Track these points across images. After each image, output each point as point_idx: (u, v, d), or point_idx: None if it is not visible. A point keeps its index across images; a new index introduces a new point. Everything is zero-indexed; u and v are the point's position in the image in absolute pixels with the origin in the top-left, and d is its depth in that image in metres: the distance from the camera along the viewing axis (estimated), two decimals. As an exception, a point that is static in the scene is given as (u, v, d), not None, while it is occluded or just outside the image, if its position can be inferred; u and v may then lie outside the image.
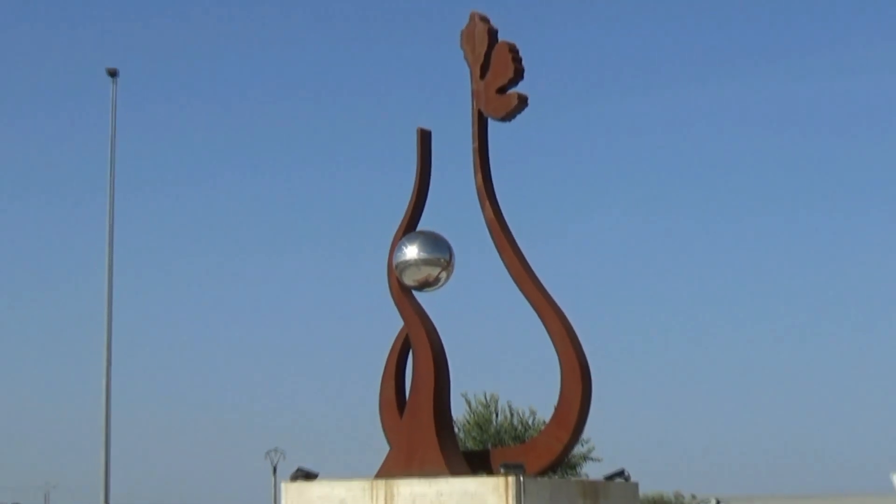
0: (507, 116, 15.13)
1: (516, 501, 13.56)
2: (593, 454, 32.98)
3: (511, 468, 13.93)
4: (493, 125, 15.40)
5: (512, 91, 15.00)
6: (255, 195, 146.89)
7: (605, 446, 33.51)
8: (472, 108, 15.37)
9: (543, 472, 14.68)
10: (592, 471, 30.34)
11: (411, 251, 14.81)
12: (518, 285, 15.08)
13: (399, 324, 15.27)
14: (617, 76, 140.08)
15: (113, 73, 32.00)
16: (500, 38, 15.21)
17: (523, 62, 15.07)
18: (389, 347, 15.53)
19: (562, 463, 15.93)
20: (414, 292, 14.99)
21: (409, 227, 15.28)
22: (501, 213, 15.27)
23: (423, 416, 14.63)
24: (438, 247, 14.89)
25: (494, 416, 33.44)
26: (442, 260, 14.85)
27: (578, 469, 31.63)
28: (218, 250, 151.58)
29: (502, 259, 15.20)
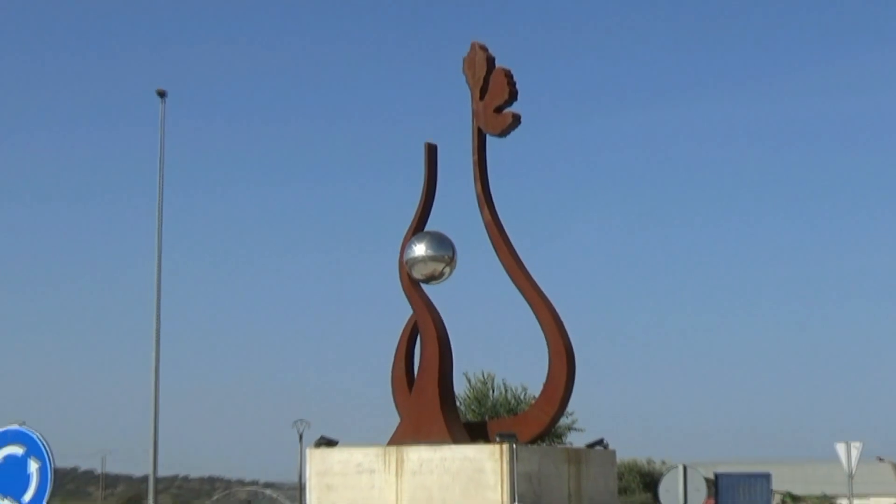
0: (503, 132, 15.08)
1: (510, 466, 13.53)
2: (577, 425, 32.86)
3: (505, 437, 13.90)
4: (490, 140, 15.36)
5: (507, 110, 14.95)
6: (287, 199, 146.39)
7: (586, 418, 33.36)
8: (473, 125, 15.32)
9: (533, 441, 14.66)
10: (576, 439, 30.24)
11: (419, 249, 14.78)
12: (512, 279, 15.06)
13: (408, 312, 15.23)
14: (602, 97, 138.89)
15: (162, 94, 31.98)
16: (497, 64, 15.24)
17: (517, 85, 15.08)
18: (400, 332, 15.48)
19: (549, 433, 15.90)
20: (422, 285, 14.95)
21: (418, 228, 15.23)
22: (498, 217, 15.24)
23: (429, 392, 14.60)
24: (443, 245, 14.86)
25: (491, 391, 33.35)
26: (446, 257, 14.82)
27: (564, 438, 31.51)
28: (255, 245, 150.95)
29: (498, 256, 15.17)
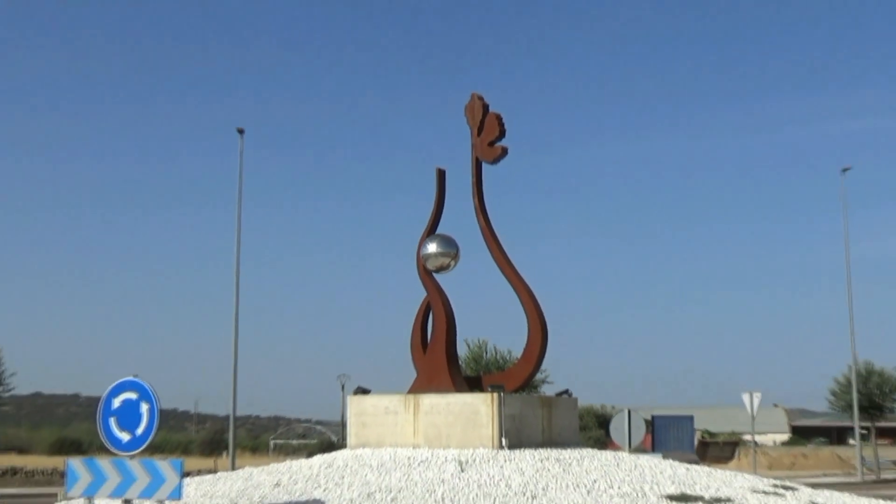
0: (495, 161, 15.10)
1: (498, 409, 13.56)
2: (548, 379, 32.63)
3: (495, 388, 13.95)
4: (485, 167, 15.37)
5: (498, 144, 14.98)
6: (338, 212, 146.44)
7: (556, 374, 33.42)
8: (472, 155, 15.33)
9: (516, 391, 14.68)
10: (548, 390, 30.03)
11: (432, 247, 14.79)
12: (501, 271, 15.08)
13: (423, 294, 15.24)
14: (573, 129, 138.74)
15: (241, 131, 31.75)
16: (491, 109, 15.25)
17: (505, 125, 15.12)
18: (417, 309, 15.49)
19: (528, 385, 15.88)
20: (433, 274, 14.97)
21: (431, 231, 15.24)
22: (491, 224, 15.25)
23: (439, 353, 14.62)
24: (449, 244, 14.86)
25: (484, 354, 33.23)
26: (452, 253, 14.82)
27: (539, 388, 31.33)
28: (315, 248, 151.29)
29: (491, 254, 15.18)
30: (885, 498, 14.55)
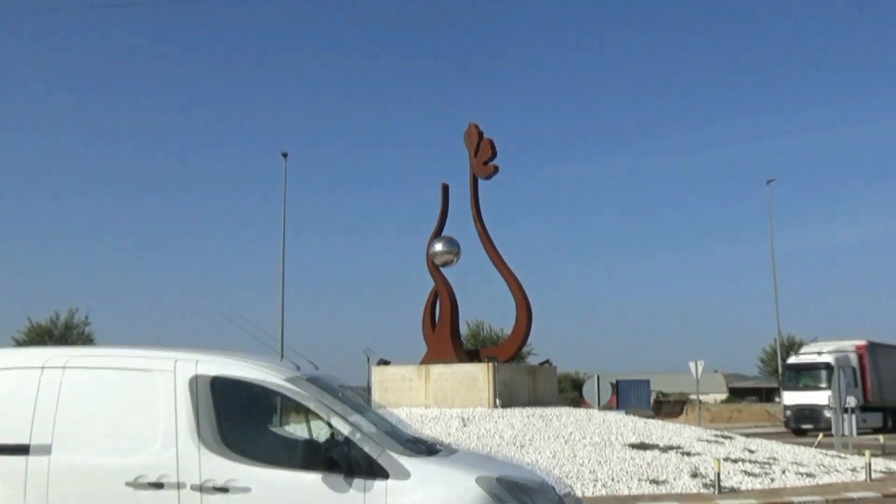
0: (488, 177, 15.08)
1: (493, 376, 13.55)
2: (533, 351, 32.68)
3: (491, 359, 13.94)
4: (481, 182, 15.34)
5: (490, 163, 14.97)
6: (372, 219, 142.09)
7: (539, 347, 33.17)
8: (469, 172, 15.31)
9: (507, 361, 14.68)
10: (533, 360, 30.07)
11: (439, 246, 14.78)
12: (494, 265, 15.05)
13: (432, 284, 15.22)
14: (546, 152, 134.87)
15: (285, 155, 29.13)
16: (485, 135, 15.24)
17: (496, 148, 15.10)
18: (427, 296, 15.47)
19: (517, 356, 15.87)
20: (440, 268, 14.95)
21: (437, 233, 15.22)
22: (486, 227, 15.24)
23: (445, 332, 14.61)
24: (453, 244, 14.85)
25: (481, 331, 33.31)
26: (455, 251, 14.81)
27: (525, 359, 31.40)
28: (347, 244, 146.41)
29: (486, 251, 15.17)
30: (802, 445, 14.56)
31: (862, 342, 27.83)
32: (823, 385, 24.97)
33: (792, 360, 27.77)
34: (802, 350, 28.74)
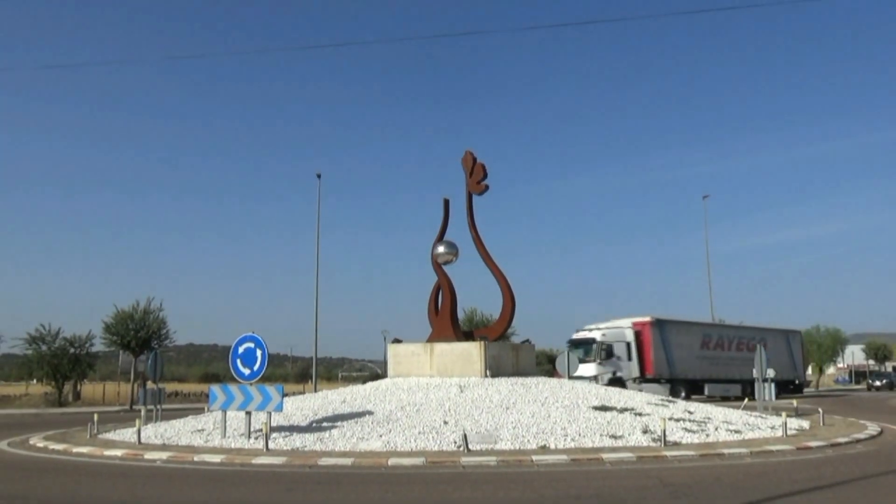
0: (481, 193, 15.01)
1: (484, 352, 13.53)
2: (516, 332, 32.56)
3: (482, 338, 13.91)
4: (475, 197, 15.29)
5: (483, 182, 14.92)
6: (391, 230, 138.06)
7: (521, 328, 33.28)
8: (466, 189, 15.25)
9: (495, 340, 14.62)
10: (516, 339, 30.01)
11: (441, 249, 14.72)
12: (486, 264, 14.97)
13: (436, 278, 15.15)
14: (529, 170, 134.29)
15: (319, 176, 28.86)
16: (479, 159, 15.19)
17: (487, 171, 15.06)
18: (431, 288, 15.43)
19: (503, 336, 15.83)
20: (443, 266, 14.92)
21: (440, 237, 15.16)
22: (479, 233, 15.17)
23: (446, 316, 14.57)
24: (453, 247, 14.80)
25: (475, 316, 33.20)
26: (454, 252, 14.77)
27: (510, 338, 31.28)
28: (371, 247, 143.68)
29: (479, 252, 15.11)
30: (734, 407, 14.53)
31: (645, 318, 24.41)
32: (591, 359, 22.70)
33: (572, 337, 24.92)
34: (582, 328, 25.66)
